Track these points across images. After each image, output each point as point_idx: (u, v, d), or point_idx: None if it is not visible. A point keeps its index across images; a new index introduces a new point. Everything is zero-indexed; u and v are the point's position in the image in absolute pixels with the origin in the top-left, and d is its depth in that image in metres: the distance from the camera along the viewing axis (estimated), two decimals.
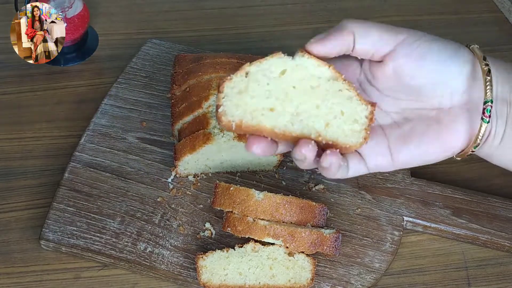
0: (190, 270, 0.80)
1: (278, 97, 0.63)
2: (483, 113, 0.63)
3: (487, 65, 0.63)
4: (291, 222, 0.78)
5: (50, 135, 0.93)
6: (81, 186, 0.86)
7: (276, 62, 0.63)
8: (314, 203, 0.80)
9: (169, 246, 0.82)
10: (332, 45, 0.64)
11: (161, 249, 0.81)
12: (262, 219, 0.78)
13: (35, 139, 0.93)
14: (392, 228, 0.84)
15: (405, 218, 0.85)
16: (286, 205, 0.78)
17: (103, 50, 1.02)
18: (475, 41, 1.04)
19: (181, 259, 0.81)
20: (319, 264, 0.80)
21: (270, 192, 0.79)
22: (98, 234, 0.82)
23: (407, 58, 0.64)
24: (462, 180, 0.90)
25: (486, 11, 1.09)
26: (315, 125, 0.63)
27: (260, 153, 0.64)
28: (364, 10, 1.09)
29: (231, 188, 0.79)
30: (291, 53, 0.63)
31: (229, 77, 0.62)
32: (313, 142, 0.63)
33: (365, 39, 0.64)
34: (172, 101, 0.90)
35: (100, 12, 1.07)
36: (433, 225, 0.84)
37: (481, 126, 0.63)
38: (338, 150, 0.64)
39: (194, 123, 0.85)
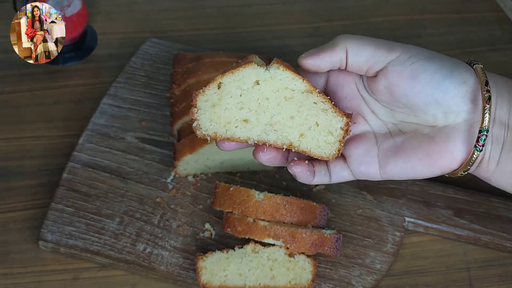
0: (190, 271, 0.79)
1: (252, 108, 0.63)
2: (477, 141, 0.62)
3: (488, 91, 0.61)
4: (292, 223, 0.78)
5: (49, 135, 0.93)
6: (80, 186, 0.85)
7: (249, 73, 0.63)
8: (314, 203, 0.79)
9: (169, 247, 0.81)
10: (324, 61, 0.65)
11: (160, 250, 0.81)
12: (263, 220, 0.77)
13: (33, 138, 0.92)
14: (393, 229, 0.83)
15: (407, 219, 0.84)
16: (287, 206, 0.78)
17: (102, 49, 1.02)
18: (476, 40, 1.05)
19: (180, 260, 0.80)
20: (319, 265, 0.80)
21: (271, 193, 0.78)
22: (97, 235, 0.82)
23: (398, 77, 0.63)
24: (464, 180, 0.89)
25: (488, 10, 1.09)
26: (289, 136, 0.64)
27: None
28: (365, 9, 1.09)
29: (231, 189, 0.78)
30: (264, 60, 0.64)
31: (201, 90, 0.62)
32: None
33: (358, 56, 0.65)
34: (172, 100, 0.89)
35: (99, 10, 1.07)
36: (434, 226, 0.84)
37: (473, 153, 0.62)
38: (306, 159, 0.66)
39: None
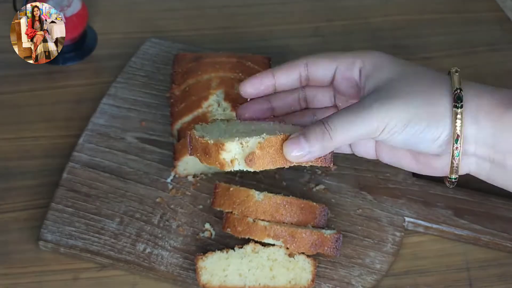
0: (190, 271, 0.79)
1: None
2: (452, 157, 0.64)
3: (458, 135, 0.62)
4: (292, 223, 0.78)
5: (49, 135, 0.93)
6: (80, 186, 0.85)
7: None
8: (314, 203, 0.79)
9: (169, 247, 0.81)
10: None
11: (160, 250, 0.81)
12: (262, 220, 0.77)
13: (33, 139, 0.92)
14: (393, 229, 0.83)
15: (407, 219, 0.84)
16: (286, 206, 0.78)
17: (102, 49, 1.02)
18: (476, 40, 1.05)
19: (180, 260, 0.80)
20: (319, 265, 0.80)
21: (271, 193, 0.78)
22: (97, 235, 0.82)
23: (380, 147, 0.69)
24: (464, 180, 0.89)
25: (488, 10, 1.09)
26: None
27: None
28: (365, 9, 1.09)
29: (231, 189, 0.78)
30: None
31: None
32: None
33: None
34: (172, 100, 0.89)
35: (98, 10, 1.07)
36: (434, 226, 0.84)
37: (452, 164, 0.64)
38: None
39: (193, 123, 0.84)
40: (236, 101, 0.85)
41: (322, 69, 0.67)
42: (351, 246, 0.82)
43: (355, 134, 0.62)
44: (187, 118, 0.85)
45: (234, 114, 0.83)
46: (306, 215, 0.78)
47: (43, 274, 0.81)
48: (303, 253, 0.77)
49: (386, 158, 0.69)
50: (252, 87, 0.67)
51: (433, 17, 1.08)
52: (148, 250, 0.81)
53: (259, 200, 0.77)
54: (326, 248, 0.77)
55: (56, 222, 0.82)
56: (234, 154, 0.64)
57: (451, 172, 0.64)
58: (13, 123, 0.94)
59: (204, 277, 0.77)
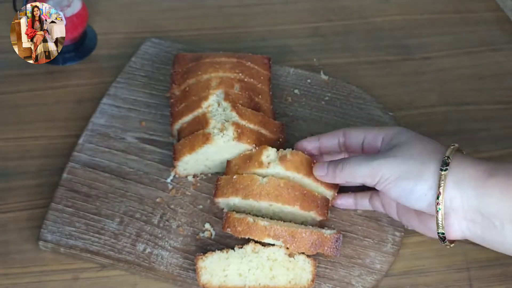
0: (190, 271, 0.79)
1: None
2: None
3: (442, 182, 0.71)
4: (295, 206, 0.78)
5: (49, 135, 0.93)
6: (80, 186, 0.85)
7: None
8: (317, 193, 0.79)
9: (169, 247, 0.81)
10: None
11: (160, 250, 0.81)
12: (264, 219, 0.77)
13: (33, 139, 0.92)
14: (393, 229, 0.83)
15: None
16: (289, 190, 0.78)
17: (102, 49, 1.02)
18: (476, 40, 1.05)
19: (180, 260, 0.80)
20: (319, 265, 0.80)
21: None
22: (97, 235, 0.82)
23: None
24: None
25: (488, 10, 1.09)
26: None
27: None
28: (365, 9, 1.09)
29: (234, 177, 0.79)
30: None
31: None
32: None
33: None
34: (172, 100, 0.89)
35: (98, 11, 1.07)
36: None
37: (438, 230, 0.74)
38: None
39: (193, 123, 0.84)
40: (236, 101, 0.85)
41: (354, 137, 0.81)
42: (351, 246, 0.82)
43: (358, 174, 0.76)
44: (187, 118, 0.85)
45: (234, 114, 0.83)
46: (308, 202, 0.78)
47: (43, 274, 0.81)
48: (303, 253, 0.77)
49: (404, 219, 0.79)
50: (301, 147, 0.83)
51: (433, 17, 1.08)
52: (148, 250, 0.81)
53: (263, 183, 0.77)
54: (326, 248, 0.77)
55: (56, 222, 0.82)
56: None
57: (437, 226, 0.72)
58: (13, 123, 0.94)
59: (204, 277, 0.76)
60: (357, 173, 0.76)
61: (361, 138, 0.81)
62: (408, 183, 0.73)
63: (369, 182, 0.76)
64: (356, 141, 0.81)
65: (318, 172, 0.80)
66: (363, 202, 0.84)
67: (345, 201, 0.84)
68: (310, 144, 0.83)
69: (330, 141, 0.83)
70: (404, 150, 0.74)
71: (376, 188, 0.76)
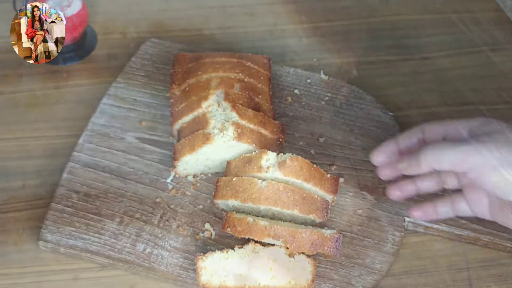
0: (190, 271, 0.79)
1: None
2: None
3: None
4: (294, 209, 0.78)
5: (49, 135, 0.93)
6: (80, 186, 0.85)
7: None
8: (316, 196, 0.79)
9: (169, 247, 0.81)
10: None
11: (160, 250, 0.81)
12: (264, 218, 0.77)
13: (33, 139, 0.92)
14: (393, 229, 0.83)
15: (407, 219, 0.84)
16: (289, 193, 0.78)
17: (102, 49, 1.02)
18: (476, 40, 1.05)
19: (180, 260, 0.80)
20: (319, 265, 0.80)
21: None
22: (97, 235, 0.82)
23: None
24: None
25: (488, 10, 1.09)
26: None
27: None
28: (365, 9, 1.09)
29: (234, 179, 0.79)
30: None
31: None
32: None
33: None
34: (172, 100, 0.89)
35: (98, 11, 1.07)
36: (434, 226, 0.84)
37: None
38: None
39: (193, 123, 0.84)
40: (236, 101, 0.85)
41: (434, 131, 0.78)
42: (351, 246, 0.82)
43: (445, 159, 0.71)
44: (187, 118, 0.85)
45: (234, 114, 0.83)
46: (308, 205, 0.78)
47: (43, 274, 0.81)
48: (303, 253, 0.77)
49: (499, 217, 0.76)
50: (379, 155, 0.80)
51: (433, 17, 1.08)
52: (148, 250, 0.81)
53: (262, 187, 0.77)
54: (326, 248, 0.77)
55: (56, 222, 0.82)
56: None
57: None
58: (13, 123, 0.94)
59: (204, 277, 0.76)
60: (444, 157, 0.71)
61: (441, 132, 0.77)
62: (508, 171, 0.67)
63: (458, 168, 0.71)
64: (436, 136, 0.78)
65: (401, 165, 0.76)
66: (445, 209, 0.80)
67: (425, 213, 0.80)
68: (388, 150, 0.80)
69: (409, 140, 0.80)
70: (499, 137, 0.69)
71: (468, 176, 0.71)
